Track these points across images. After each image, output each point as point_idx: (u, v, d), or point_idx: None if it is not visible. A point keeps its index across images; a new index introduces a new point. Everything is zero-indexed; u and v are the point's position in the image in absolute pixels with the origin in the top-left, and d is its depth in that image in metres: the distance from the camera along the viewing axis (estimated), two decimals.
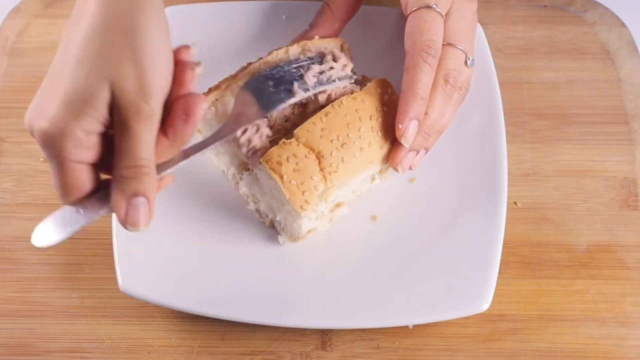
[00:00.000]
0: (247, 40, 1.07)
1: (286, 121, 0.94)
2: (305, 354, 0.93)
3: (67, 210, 0.76)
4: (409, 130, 0.90)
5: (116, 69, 0.73)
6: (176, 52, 0.77)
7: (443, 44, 0.93)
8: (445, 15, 0.94)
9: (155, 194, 0.76)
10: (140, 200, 0.74)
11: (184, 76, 0.77)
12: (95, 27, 0.74)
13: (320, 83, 0.92)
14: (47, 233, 0.75)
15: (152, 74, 0.74)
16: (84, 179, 0.75)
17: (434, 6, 0.91)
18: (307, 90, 0.91)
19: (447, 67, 0.92)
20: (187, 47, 0.78)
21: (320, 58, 0.95)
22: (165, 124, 0.76)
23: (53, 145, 0.72)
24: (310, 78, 0.92)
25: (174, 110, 0.76)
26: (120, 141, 0.74)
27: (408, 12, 0.93)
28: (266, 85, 0.91)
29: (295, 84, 0.91)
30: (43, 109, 0.73)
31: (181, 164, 0.80)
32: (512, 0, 1.17)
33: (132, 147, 0.74)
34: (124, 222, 0.75)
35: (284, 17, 1.08)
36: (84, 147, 0.73)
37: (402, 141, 0.91)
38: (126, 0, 0.74)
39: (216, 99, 0.94)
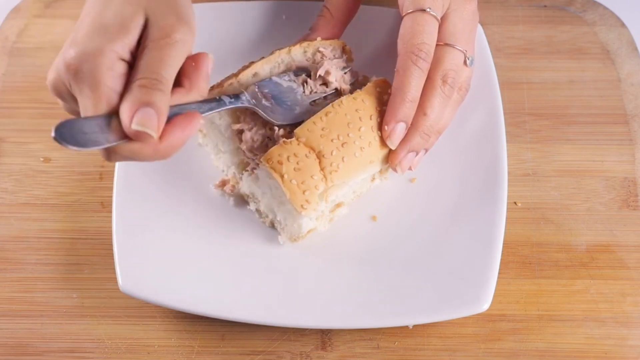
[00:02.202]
0: (247, 40, 1.07)
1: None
2: (305, 354, 0.93)
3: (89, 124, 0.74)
4: (395, 132, 0.91)
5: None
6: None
7: (440, 45, 0.93)
8: (444, 15, 0.94)
9: (165, 115, 0.74)
10: (150, 110, 0.73)
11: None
12: None
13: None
14: (76, 134, 0.73)
15: (186, 11, 0.79)
16: (115, 104, 0.74)
17: (428, 9, 0.91)
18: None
19: (445, 68, 0.92)
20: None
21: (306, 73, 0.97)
22: (180, 77, 0.78)
23: (86, 66, 0.74)
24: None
25: (184, 65, 0.78)
26: (146, 59, 0.75)
27: (403, 14, 0.93)
28: (282, 95, 0.94)
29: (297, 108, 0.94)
30: (73, 42, 0.75)
31: (206, 113, 0.81)
32: (512, 0, 1.17)
33: (155, 64, 0.75)
34: (129, 122, 0.73)
35: (284, 17, 1.08)
36: (116, 72, 0.74)
37: (388, 143, 0.91)
38: None
39: None
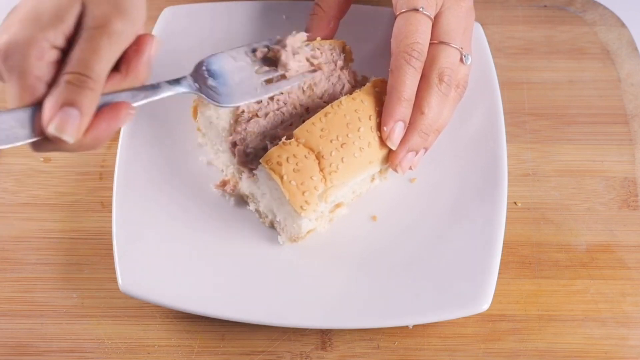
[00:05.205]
0: (247, 40, 1.06)
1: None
2: (305, 354, 0.93)
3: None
4: (394, 133, 0.91)
5: None
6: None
7: (435, 43, 0.93)
8: (438, 14, 0.94)
9: (89, 116, 0.72)
10: (73, 111, 0.71)
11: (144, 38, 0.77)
12: None
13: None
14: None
15: (127, 1, 0.75)
16: (41, 95, 0.72)
17: (421, 9, 0.91)
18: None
19: (440, 66, 0.92)
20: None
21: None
22: (119, 61, 0.76)
23: (15, 55, 0.71)
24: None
25: (125, 49, 0.76)
26: (78, 51, 0.72)
27: (397, 13, 0.93)
28: (229, 71, 0.91)
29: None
30: (6, 28, 0.73)
31: (139, 102, 0.78)
32: (512, 0, 1.17)
33: (88, 58, 0.72)
34: (47, 122, 0.70)
35: (284, 17, 1.08)
36: (46, 62, 0.72)
37: (388, 143, 0.91)
38: None
39: None
